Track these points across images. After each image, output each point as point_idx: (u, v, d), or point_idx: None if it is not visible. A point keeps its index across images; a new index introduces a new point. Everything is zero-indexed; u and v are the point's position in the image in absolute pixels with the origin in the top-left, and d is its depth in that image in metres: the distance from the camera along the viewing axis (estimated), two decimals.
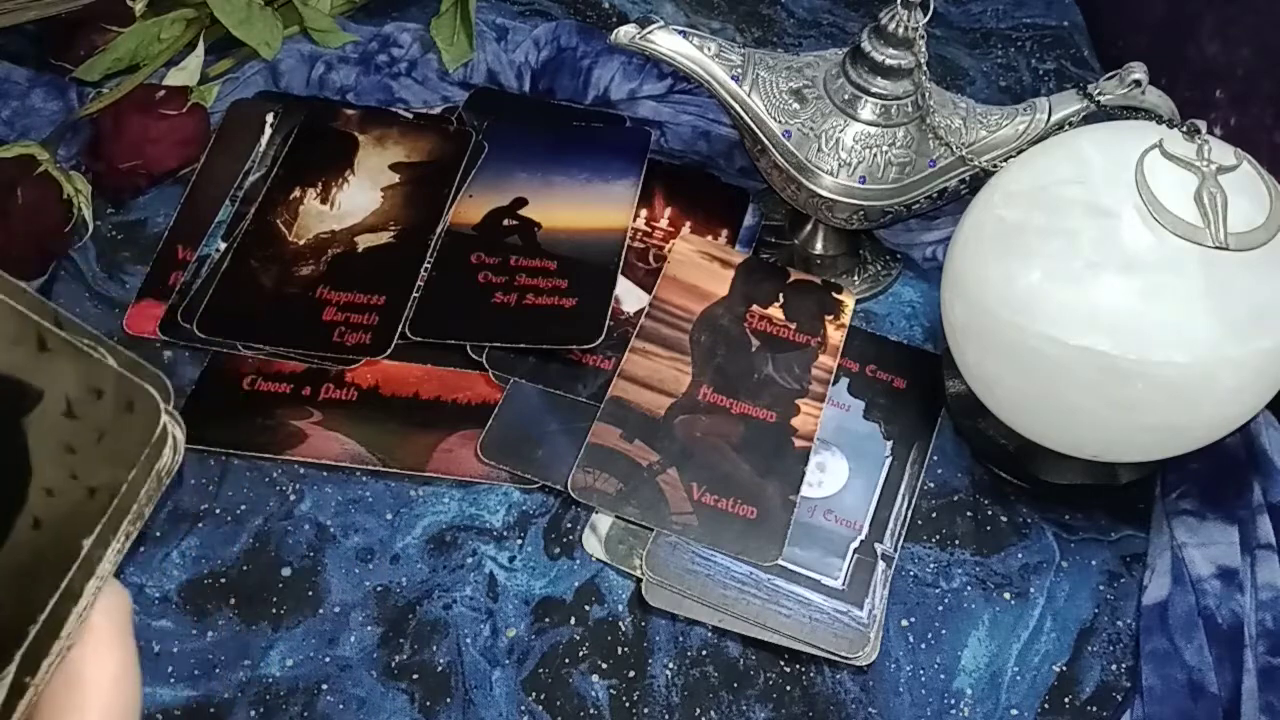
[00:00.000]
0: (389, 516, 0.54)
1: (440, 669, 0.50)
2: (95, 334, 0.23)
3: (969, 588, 0.53)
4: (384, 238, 0.63)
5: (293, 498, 0.54)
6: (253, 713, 0.49)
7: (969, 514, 0.56)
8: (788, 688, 0.51)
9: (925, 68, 0.55)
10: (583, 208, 0.65)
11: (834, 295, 0.62)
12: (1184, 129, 0.48)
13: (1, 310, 0.21)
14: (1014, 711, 0.50)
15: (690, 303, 0.61)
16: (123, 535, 0.23)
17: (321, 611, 0.51)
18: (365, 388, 0.58)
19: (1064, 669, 0.51)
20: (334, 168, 0.66)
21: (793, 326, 0.61)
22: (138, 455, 0.23)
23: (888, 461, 0.57)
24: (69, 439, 0.22)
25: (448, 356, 0.59)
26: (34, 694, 0.22)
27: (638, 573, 0.53)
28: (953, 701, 0.50)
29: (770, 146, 0.57)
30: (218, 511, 0.54)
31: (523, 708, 0.49)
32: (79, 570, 0.22)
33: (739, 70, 0.57)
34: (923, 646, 0.52)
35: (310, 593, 0.52)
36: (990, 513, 0.56)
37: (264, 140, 0.67)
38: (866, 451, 0.57)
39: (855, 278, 0.64)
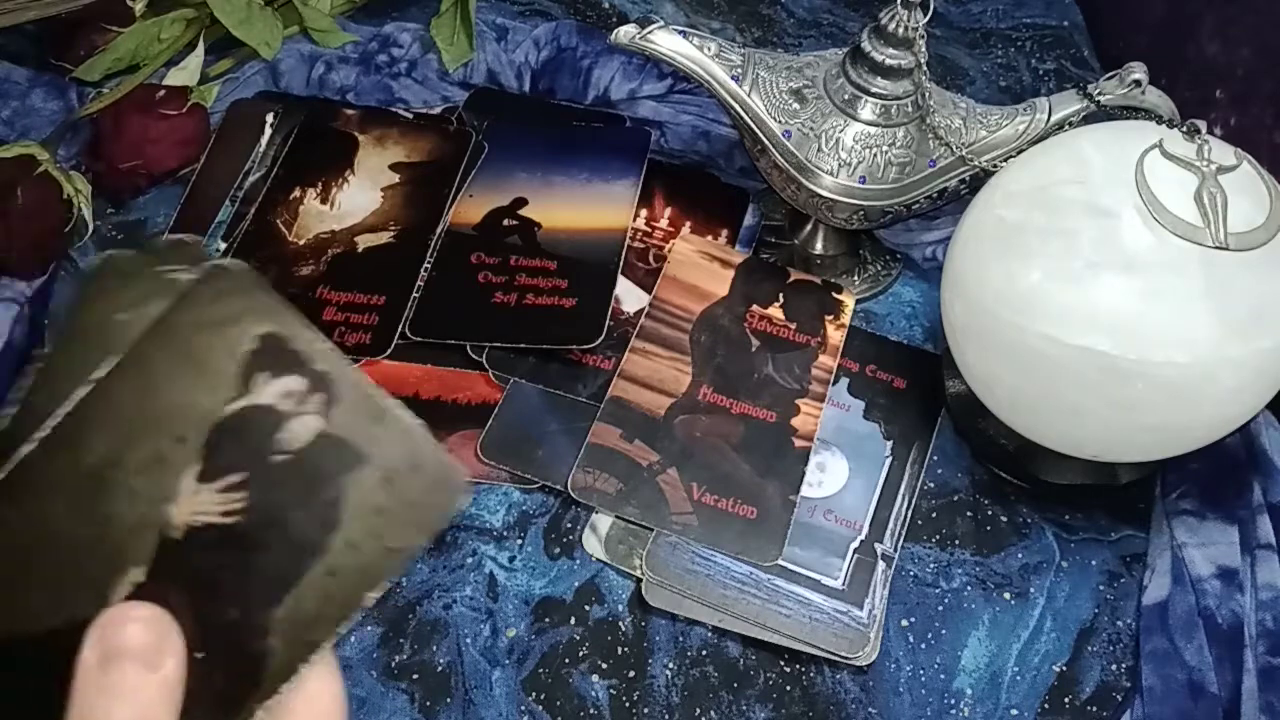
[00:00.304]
0: None
1: (440, 669, 0.50)
2: (417, 418, 0.25)
3: (969, 588, 0.53)
4: (384, 238, 0.63)
5: None
6: None
7: (969, 514, 0.56)
8: (788, 688, 0.51)
9: (925, 68, 0.55)
10: (583, 208, 0.65)
11: (834, 295, 0.62)
12: (1184, 129, 0.48)
13: (351, 387, 0.25)
14: (1014, 711, 0.50)
15: (690, 303, 0.61)
16: (387, 584, 0.25)
17: None
18: None
19: (1064, 669, 0.51)
20: (334, 168, 0.66)
21: (793, 326, 0.61)
22: (434, 524, 0.25)
23: (888, 461, 0.56)
24: (382, 503, 0.24)
25: (448, 356, 0.59)
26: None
27: (638, 573, 0.53)
28: (953, 701, 0.50)
29: (770, 146, 0.57)
30: None
31: (523, 708, 0.49)
32: (350, 616, 0.24)
33: (739, 70, 0.57)
34: (923, 646, 0.52)
35: None
36: (990, 513, 0.56)
37: (264, 140, 0.67)
38: (866, 451, 0.57)
39: (855, 278, 0.64)
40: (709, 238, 0.65)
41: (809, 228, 0.64)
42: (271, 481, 0.24)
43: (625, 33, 0.56)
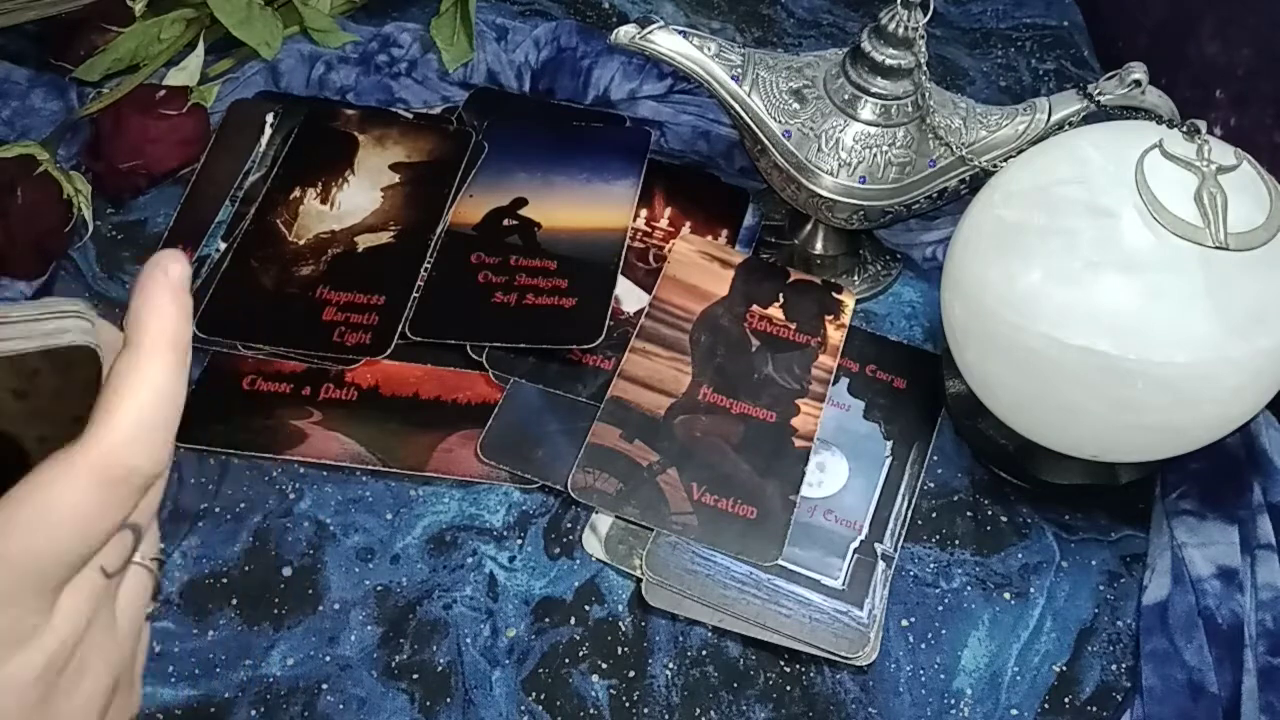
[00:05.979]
0: (389, 516, 0.54)
1: (440, 669, 0.50)
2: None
3: (969, 588, 0.53)
4: (384, 238, 0.63)
5: (293, 497, 0.54)
6: (253, 712, 0.49)
7: (969, 514, 0.56)
8: (788, 688, 0.51)
9: (925, 68, 0.55)
10: (583, 208, 0.65)
11: (834, 295, 0.62)
12: (1184, 129, 0.48)
13: None
14: (1014, 711, 0.50)
15: (690, 303, 0.61)
16: None
17: (322, 611, 0.51)
18: (365, 388, 0.58)
19: (1064, 669, 0.51)
20: (334, 168, 0.66)
21: (793, 326, 0.61)
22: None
23: (888, 461, 0.56)
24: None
25: (448, 356, 0.59)
26: None
27: (638, 573, 0.53)
28: (953, 701, 0.50)
29: (770, 146, 0.57)
30: (218, 511, 0.54)
31: (523, 708, 0.49)
32: None
33: (739, 70, 0.57)
34: (923, 646, 0.52)
35: (310, 592, 0.52)
36: (990, 513, 0.56)
37: (264, 140, 0.67)
38: (866, 451, 0.57)
39: (855, 278, 0.64)
40: (709, 238, 0.65)
41: (809, 228, 0.64)
42: None
43: (625, 33, 0.56)
